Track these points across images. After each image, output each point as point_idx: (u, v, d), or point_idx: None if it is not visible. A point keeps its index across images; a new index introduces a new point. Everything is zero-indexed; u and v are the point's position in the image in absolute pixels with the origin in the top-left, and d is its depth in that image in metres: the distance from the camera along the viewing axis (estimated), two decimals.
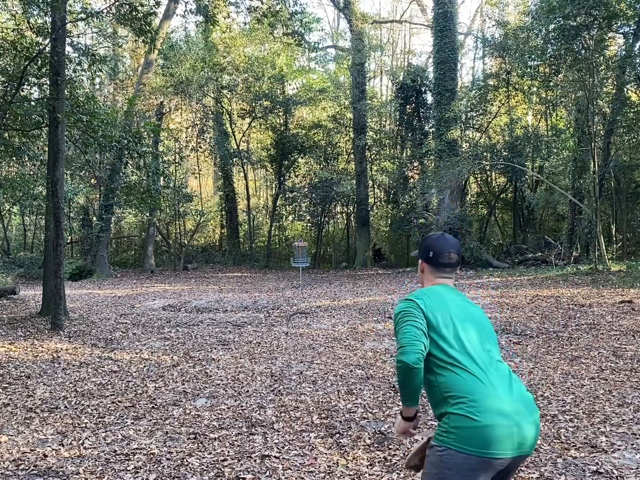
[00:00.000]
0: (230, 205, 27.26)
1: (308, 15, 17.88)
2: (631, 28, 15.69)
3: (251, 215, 27.39)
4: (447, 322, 1.95)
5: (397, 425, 2.05)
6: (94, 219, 22.76)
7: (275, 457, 3.62)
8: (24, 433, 4.15)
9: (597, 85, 15.09)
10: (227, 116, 25.47)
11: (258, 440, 3.92)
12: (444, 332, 1.93)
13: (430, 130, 23.41)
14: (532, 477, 3.22)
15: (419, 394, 1.93)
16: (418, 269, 2.26)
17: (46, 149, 11.58)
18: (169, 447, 3.83)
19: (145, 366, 6.23)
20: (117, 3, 9.50)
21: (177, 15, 22.39)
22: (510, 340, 7.01)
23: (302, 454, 3.67)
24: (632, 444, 3.63)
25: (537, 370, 5.54)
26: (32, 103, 10.15)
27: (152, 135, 18.19)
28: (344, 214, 28.41)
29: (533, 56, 16.45)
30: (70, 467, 3.52)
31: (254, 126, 27.26)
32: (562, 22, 14.50)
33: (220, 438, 3.98)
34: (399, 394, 2.01)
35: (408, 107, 23.84)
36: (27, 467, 3.52)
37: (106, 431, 4.16)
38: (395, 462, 3.49)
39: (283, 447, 3.78)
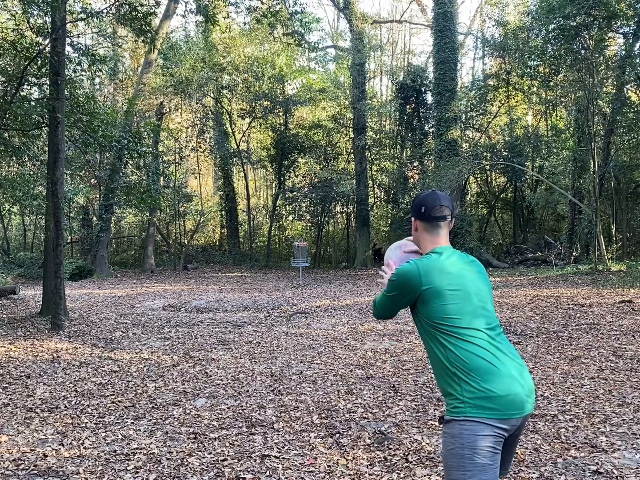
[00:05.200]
0: (230, 205, 27.25)
1: (308, 15, 17.86)
2: (631, 28, 15.68)
3: (251, 215, 27.38)
4: (448, 290, 1.97)
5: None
6: (94, 219, 22.75)
7: (275, 457, 3.62)
8: (24, 433, 4.15)
9: (597, 85, 15.09)
10: (227, 116, 25.46)
11: (258, 440, 3.92)
12: (449, 303, 1.95)
13: (430, 130, 23.40)
14: (532, 477, 3.22)
15: None
16: (413, 228, 2.20)
17: (46, 149, 11.57)
18: (169, 447, 3.83)
19: (145, 366, 6.23)
20: (117, 3, 9.49)
21: (177, 15, 22.41)
22: (510, 340, 7.00)
23: (302, 453, 3.67)
24: (632, 444, 3.63)
25: (537, 370, 5.54)
26: (32, 103, 10.15)
27: (152, 135, 18.19)
28: (344, 214, 28.39)
29: (533, 56, 16.44)
30: (70, 467, 3.52)
31: (254, 126, 27.25)
32: (562, 22, 14.49)
33: (220, 438, 3.98)
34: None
35: (408, 107, 23.83)
36: (27, 467, 3.52)
37: (106, 431, 4.16)
38: (395, 462, 3.49)
39: (283, 447, 3.78)
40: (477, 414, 1.86)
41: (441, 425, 1.99)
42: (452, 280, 1.99)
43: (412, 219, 2.19)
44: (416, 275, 1.99)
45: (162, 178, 22.72)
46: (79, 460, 3.62)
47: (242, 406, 4.70)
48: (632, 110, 16.55)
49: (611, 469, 3.27)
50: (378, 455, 3.62)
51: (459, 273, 2.02)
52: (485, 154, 20.48)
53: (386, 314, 2.18)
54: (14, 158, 12.56)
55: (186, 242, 26.18)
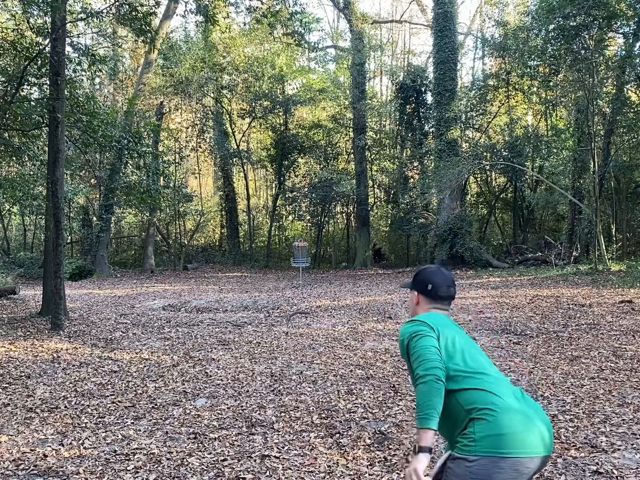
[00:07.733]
0: (230, 205, 27.26)
1: (308, 15, 17.89)
2: (631, 28, 15.68)
3: (251, 215, 27.39)
4: (454, 341, 2.00)
5: (415, 465, 1.79)
6: (94, 219, 22.76)
7: (275, 457, 3.62)
8: (24, 433, 4.15)
9: (597, 85, 15.09)
10: (227, 116, 25.47)
11: (258, 440, 3.92)
12: (455, 349, 1.98)
13: (430, 130, 23.41)
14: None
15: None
16: (411, 300, 2.24)
17: (46, 149, 11.57)
18: (169, 447, 3.82)
19: (145, 366, 6.23)
20: (117, 3, 9.49)
21: (177, 15, 22.40)
22: (510, 340, 7.01)
23: (302, 454, 3.67)
24: (632, 444, 3.63)
25: (537, 370, 5.54)
26: (32, 103, 10.15)
27: (152, 135, 18.19)
28: (344, 214, 28.41)
29: (533, 56, 16.45)
30: (70, 467, 3.52)
31: (254, 126, 27.26)
32: (562, 22, 14.50)
33: (220, 438, 3.98)
34: (418, 415, 1.81)
35: (408, 107, 23.84)
36: (27, 467, 3.52)
37: (106, 431, 4.16)
38: (395, 462, 3.49)
39: (283, 447, 3.78)
40: (492, 452, 1.78)
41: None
42: (450, 331, 2.03)
43: (415, 292, 2.22)
44: (425, 322, 2.01)
45: (162, 178, 22.70)
46: (79, 461, 3.62)
47: (242, 406, 4.70)
48: (632, 110, 16.56)
49: (611, 469, 3.27)
50: (378, 455, 3.62)
51: (453, 326, 2.11)
52: (485, 154, 20.49)
53: (433, 364, 1.87)
54: (14, 158, 12.55)
55: (186, 242, 26.18)
